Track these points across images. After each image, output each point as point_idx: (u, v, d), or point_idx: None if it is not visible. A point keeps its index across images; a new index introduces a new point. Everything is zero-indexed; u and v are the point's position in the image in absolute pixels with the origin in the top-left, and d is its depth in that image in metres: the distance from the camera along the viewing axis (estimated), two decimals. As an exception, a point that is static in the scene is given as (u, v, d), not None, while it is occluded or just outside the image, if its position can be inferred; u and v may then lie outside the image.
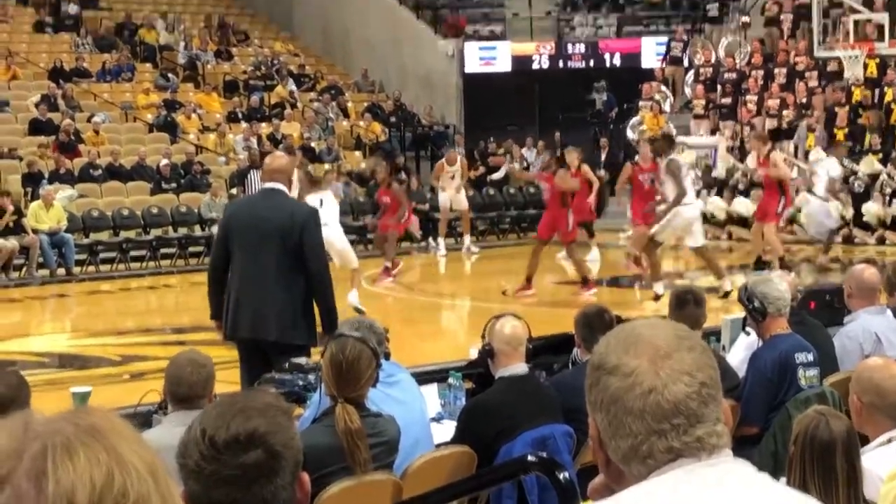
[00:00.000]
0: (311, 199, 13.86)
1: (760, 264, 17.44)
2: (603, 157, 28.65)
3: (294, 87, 31.45)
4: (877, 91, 24.87)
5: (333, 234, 14.62)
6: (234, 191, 23.66)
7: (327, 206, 14.70)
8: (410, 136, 30.78)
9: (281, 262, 7.88)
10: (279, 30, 35.57)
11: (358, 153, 28.94)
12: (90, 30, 31.40)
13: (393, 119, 31.10)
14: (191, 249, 22.41)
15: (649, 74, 29.84)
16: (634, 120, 27.77)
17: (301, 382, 6.88)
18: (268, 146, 26.10)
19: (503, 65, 32.30)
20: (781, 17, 28.35)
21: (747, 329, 7.07)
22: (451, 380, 6.98)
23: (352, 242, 16.96)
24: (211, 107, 29.33)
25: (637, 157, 18.83)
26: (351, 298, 14.87)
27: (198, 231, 22.91)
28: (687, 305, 6.82)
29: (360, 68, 33.82)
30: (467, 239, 23.73)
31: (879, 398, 4.25)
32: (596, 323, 6.49)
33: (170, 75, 30.26)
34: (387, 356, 5.79)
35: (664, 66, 29.74)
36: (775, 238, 17.62)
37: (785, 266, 16.10)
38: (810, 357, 6.63)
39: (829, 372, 6.89)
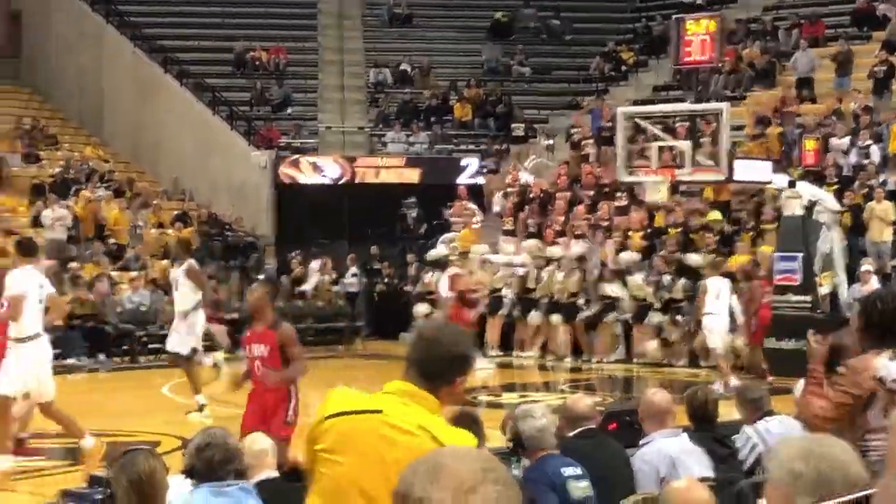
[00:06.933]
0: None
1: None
2: (411, 272, 28.68)
3: (103, 193, 31.01)
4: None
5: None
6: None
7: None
8: (220, 245, 30.52)
9: None
10: (89, 135, 35.07)
11: (165, 262, 28.53)
12: None
13: (204, 228, 30.83)
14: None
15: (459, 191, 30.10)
16: (447, 236, 27.72)
17: (99, 497, 6.71)
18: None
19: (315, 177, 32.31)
20: (583, 142, 29.02)
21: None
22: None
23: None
24: (17, 210, 28.76)
25: None
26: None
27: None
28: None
29: (170, 176, 33.53)
30: None
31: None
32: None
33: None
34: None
35: (484, 176, 30.04)
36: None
37: None
38: (578, 471, 6.84)
39: (626, 493, 6.93)
